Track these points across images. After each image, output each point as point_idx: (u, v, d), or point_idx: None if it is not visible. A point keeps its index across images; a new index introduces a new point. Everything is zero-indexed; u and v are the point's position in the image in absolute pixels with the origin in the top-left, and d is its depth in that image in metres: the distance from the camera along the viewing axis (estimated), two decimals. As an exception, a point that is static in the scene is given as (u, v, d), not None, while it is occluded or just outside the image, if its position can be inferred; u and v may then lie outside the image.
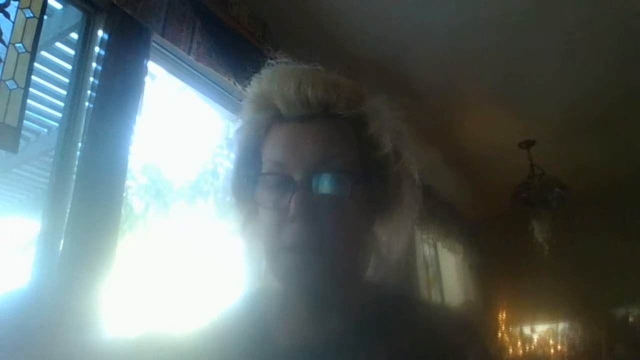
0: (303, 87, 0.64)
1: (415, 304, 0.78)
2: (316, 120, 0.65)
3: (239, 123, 0.74)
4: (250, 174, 0.69)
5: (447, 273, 3.85)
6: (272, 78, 0.67)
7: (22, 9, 1.22)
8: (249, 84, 0.71)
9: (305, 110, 0.65)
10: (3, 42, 1.17)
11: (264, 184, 0.64)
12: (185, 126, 2.26)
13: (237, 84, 1.79)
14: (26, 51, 1.22)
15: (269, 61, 0.72)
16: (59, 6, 1.57)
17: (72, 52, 1.52)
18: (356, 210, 0.64)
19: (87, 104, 1.38)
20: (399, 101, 0.69)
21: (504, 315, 4.24)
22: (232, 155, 0.73)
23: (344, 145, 0.65)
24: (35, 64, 1.27)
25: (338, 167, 0.62)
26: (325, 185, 0.61)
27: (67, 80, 1.48)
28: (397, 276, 0.70)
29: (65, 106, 1.41)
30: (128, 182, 1.56)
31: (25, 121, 1.21)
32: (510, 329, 4.27)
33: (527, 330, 4.26)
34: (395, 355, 0.62)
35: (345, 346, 0.62)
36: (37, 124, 1.72)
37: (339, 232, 0.62)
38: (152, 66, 1.66)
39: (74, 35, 1.52)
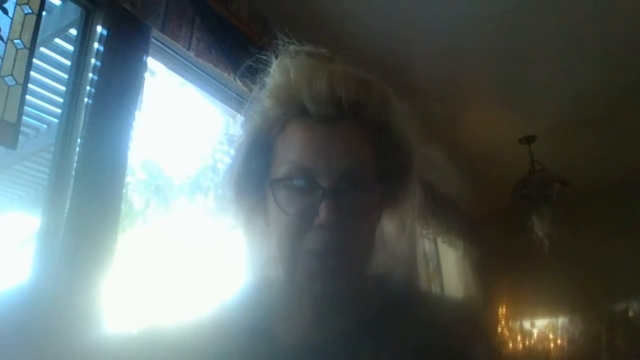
0: (336, 86, 0.61)
1: (421, 298, 0.77)
2: (343, 122, 0.62)
3: (247, 113, 0.70)
4: (257, 170, 0.66)
5: (447, 268, 3.85)
6: (301, 71, 0.63)
7: (20, 5, 1.21)
8: (270, 73, 0.67)
9: (334, 111, 0.61)
10: (1, 39, 1.17)
11: (284, 187, 0.62)
12: (185, 122, 2.26)
13: (237, 80, 1.78)
14: (25, 47, 1.22)
15: (291, 48, 0.68)
16: (57, 2, 1.56)
17: (71, 48, 1.51)
18: (377, 218, 0.65)
19: (86, 100, 1.38)
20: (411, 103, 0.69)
21: (504, 309, 4.24)
22: (237, 147, 0.69)
23: (369, 151, 0.63)
24: (34, 60, 1.26)
25: (365, 175, 0.61)
26: (353, 193, 0.60)
27: (66, 77, 1.48)
28: (403, 271, 0.70)
29: (64, 102, 1.41)
30: (128, 178, 1.56)
31: (24, 117, 1.21)
32: (510, 323, 4.28)
33: (527, 324, 4.27)
34: (401, 349, 0.62)
35: (351, 343, 0.62)
36: (36, 120, 1.72)
37: (362, 239, 0.62)
38: (151, 62, 1.66)
39: (73, 31, 1.52)
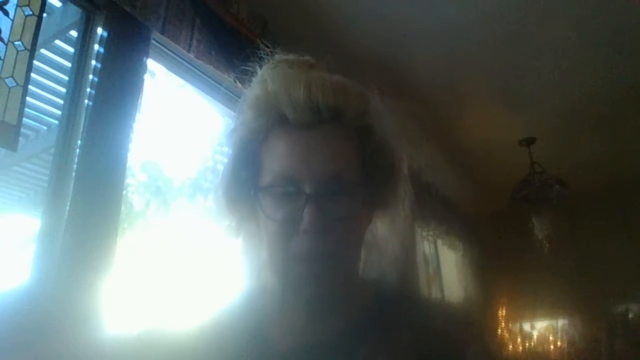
0: (313, 93, 0.62)
1: (415, 301, 0.78)
2: (323, 127, 0.63)
3: (233, 124, 0.71)
4: (245, 178, 0.68)
5: (447, 270, 3.85)
6: (279, 81, 0.64)
7: (21, 6, 1.22)
8: (249, 84, 0.69)
9: (313, 117, 0.62)
10: (2, 40, 1.17)
11: (269, 193, 0.63)
12: (185, 124, 2.26)
13: (236, 82, 1.79)
14: (25, 49, 1.22)
15: (271, 58, 0.70)
16: (58, 4, 1.56)
17: (71, 49, 1.51)
18: (363, 220, 0.65)
19: (86, 101, 1.38)
20: (401, 103, 0.69)
21: (504, 311, 4.24)
22: (227, 156, 0.72)
23: (351, 155, 0.64)
24: (35, 62, 1.26)
25: (348, 179, 0.62)
26: (337, 197, 0.61)
27: (66, 78, 1.48)
28: (396, 272, 0.70)
29: (64, 104, 1.41)
30: (128, 180, 1.56)
31: (24, 119, 1.21)
32: (510, 325, 4.28)
33: (526, 326, 4.27)
34: (394, 353, 0.62)
35: (344, 346, 0.62)
36: (36, 121, 1.72)
37: (349, 241, 0.62)
38: (151, 64, 1.66)
39: (74, 33, 1.52)
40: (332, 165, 0.61)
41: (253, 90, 0.68)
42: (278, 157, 0.63)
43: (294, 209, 0.60)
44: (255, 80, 0.68)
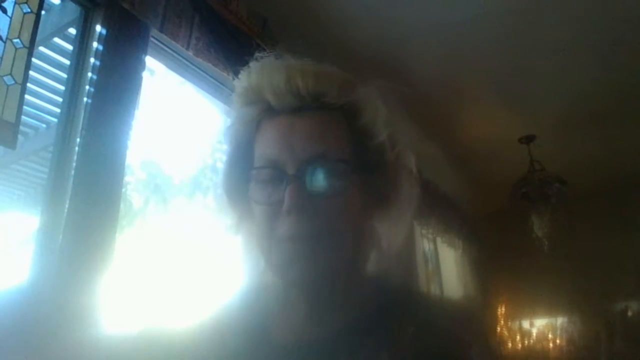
0: (293, 78, 0.64)
1: (417, 297, 0.77)
2: (308, 111, 0.64)
3: (229, 120, 0.73)
4: (242, 170, 0.68)
5: (446, 268, 3.85)
6: (261, 71, 0.67)
7: (19, 4, 1.21)
8: (238, 78, 0.70)
9: (296, 102, 0.64)
10: (0, 38, 1.16)
11: (257, 179, 0.64)
12: (184, 121, 2.26)
13: (236, 79, 1.78)
14: (24, 47, 1.21)
15: (257, 54, 0.71)
16: (57, 1, 1.56)
17: (70, 47, 1.51)
18: (353, 201, 0.64)
19: (85, 99, 1.38)
20: (394, 88, 0.69)
21: (503, 309, 4.25)
22: (225, 154, 0.72)
23: (337, 136, 0.64)
24: (33, 60, 1.26)
25: (333, 158, 0.62)
26: (319, 176, 0.61)
27: (65, 76, 1.48)
28: (398, 270, 0.70)
29: (63, 102, 1.41)
30: (127, 178, 1.56)
31: (23, 117, 1.21)
32: (509, 323, 4.29)
33: (526, 324, 4.28)
34: (396, 350, 0.61)
35: (345, 343, 0.62)
36: (35, 119, 1.72)
37: (336, 222, 0.61)
38: (150, 61, 1.65)
39: (72, 31, 1.52)
40: (315, 146, 0.62)
41: (240, 82, 0.70)
42: (264, 142, 0.65)
43: (278, 191, 0.61)
44: (242, 73, 0.70)
